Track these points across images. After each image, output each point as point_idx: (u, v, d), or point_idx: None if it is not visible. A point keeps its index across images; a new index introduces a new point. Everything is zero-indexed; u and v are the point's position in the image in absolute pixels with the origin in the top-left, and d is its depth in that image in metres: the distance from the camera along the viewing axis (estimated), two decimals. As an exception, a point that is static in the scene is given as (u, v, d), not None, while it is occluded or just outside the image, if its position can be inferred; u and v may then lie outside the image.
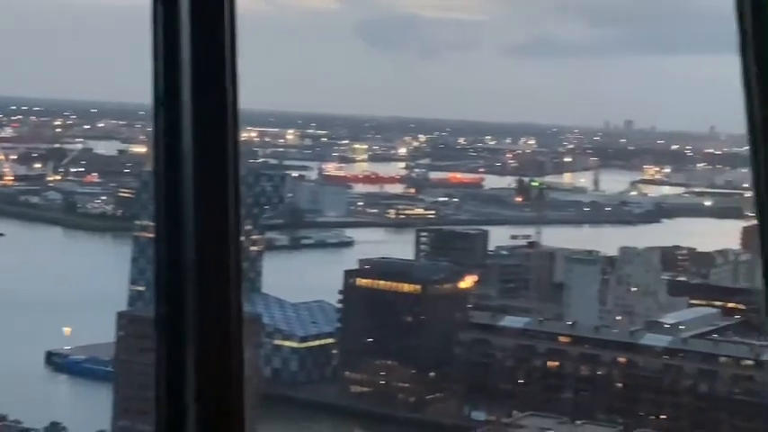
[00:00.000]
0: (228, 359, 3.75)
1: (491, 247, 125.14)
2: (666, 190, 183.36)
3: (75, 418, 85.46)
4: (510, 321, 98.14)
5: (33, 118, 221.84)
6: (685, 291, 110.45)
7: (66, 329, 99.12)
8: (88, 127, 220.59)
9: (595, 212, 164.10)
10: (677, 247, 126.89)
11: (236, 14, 3.93)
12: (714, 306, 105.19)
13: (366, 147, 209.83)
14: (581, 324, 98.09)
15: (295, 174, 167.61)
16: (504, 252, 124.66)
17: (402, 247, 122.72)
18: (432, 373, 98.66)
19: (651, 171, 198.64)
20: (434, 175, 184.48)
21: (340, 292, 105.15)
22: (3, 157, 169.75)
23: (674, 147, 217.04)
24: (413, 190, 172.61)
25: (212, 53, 3.87)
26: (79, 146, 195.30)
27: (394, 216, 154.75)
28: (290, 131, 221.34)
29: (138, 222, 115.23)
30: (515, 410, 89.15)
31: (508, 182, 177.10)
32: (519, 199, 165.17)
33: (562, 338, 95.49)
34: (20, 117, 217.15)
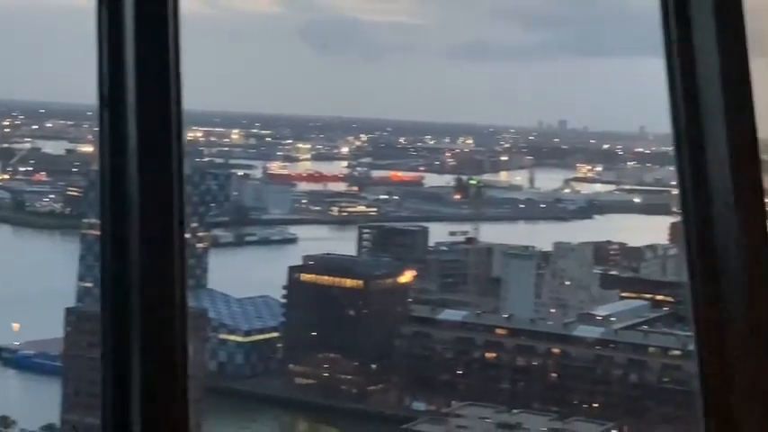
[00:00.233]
0: (173, 353, 3.72)
1: (431, 243, 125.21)
2: (598, 187, 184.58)
3: (25, 412, 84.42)
4: (449, 315, 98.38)
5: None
6: (616, 284, 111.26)
7: (15, 325, 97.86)
8: (36, 127, 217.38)
9: (531, 209, 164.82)
10: (609, 243, 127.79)
11: (179, 16, 3.90)
12: (644, 299, 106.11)
13: (309, 146, 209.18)
14: (517, 317, 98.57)
15: (240, 173, 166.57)
16: (444, 248, 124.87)
17: (345, 244, 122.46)
18: (373, 365, 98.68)
19: (584, 169, 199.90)
20: (376, 174, 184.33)
21: (284, 288, 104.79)
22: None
23: (606, 146, 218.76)
24: (355, 188, 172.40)
25: (156, 54, 3.84)
26: (27, 145, 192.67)
27: (337, 213, 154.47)
28: (235, 131, 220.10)
29: (85, 220, 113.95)
30: (454, 400, 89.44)
31: (447, 180, 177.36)
32: (458, 196, 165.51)
33: (499, 331, 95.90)
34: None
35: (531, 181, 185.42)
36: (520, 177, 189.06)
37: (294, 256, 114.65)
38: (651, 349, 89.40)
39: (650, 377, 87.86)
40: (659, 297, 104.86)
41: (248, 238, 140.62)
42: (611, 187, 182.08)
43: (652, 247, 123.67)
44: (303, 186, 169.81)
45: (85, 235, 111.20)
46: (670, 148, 5.06)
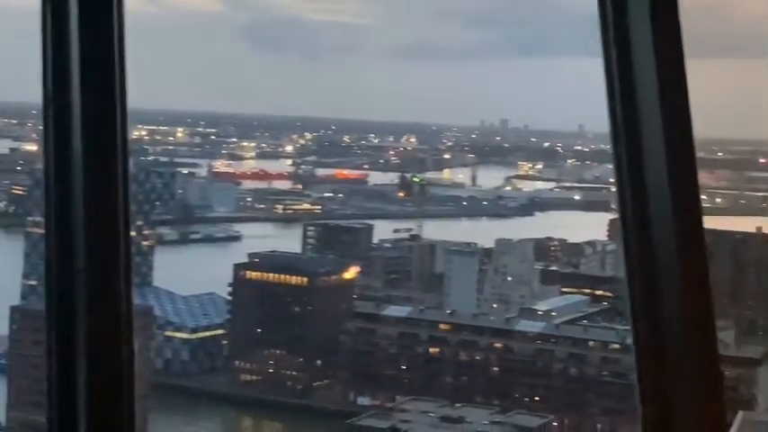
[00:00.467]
0: (119, 350, 3.69)
1: (375, 240, 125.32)
2: (539, 185, 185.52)
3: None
4: (393, 311, 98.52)
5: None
6: (557, 279, 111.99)
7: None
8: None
9: (473, 206, 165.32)
10: (549, 239, 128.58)
11: (123, 15, 3.87)
12: (584, 294, 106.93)
13: (254, 144, 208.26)
14: (460, 312, 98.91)
15: (185, 171, 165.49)
16: (388, 245, 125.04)
17: (290, 241, 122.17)
18: (318, 361, 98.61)
19: (525, 167, 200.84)
20: (321, 172, 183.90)
21: (230, 285, 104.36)
22: None
23: (546, 144, 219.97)
24: (300, 186, 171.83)
25: (100, 53, 3.80)
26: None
27: (282, 211, 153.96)
28: (180, 130, 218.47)
29: (30, 219, 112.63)
30: (398, 395, 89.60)
31: (391, 178, 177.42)
32: (401, 194, 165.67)
33: (442, 326, 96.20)
34: None
35: (474, 179, 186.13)
36: (462, 175, 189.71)
37: (239, 253, 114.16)
38: (591, 343, 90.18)
39: (590, 370, 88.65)
40: (599, 292, 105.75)
41: (193, 236, 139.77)
42: (552, 185, 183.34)
43: (592, 243, 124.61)
44: (248, 184, 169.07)
45: (30, 233, 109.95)
46: (609, 146, 5.11)
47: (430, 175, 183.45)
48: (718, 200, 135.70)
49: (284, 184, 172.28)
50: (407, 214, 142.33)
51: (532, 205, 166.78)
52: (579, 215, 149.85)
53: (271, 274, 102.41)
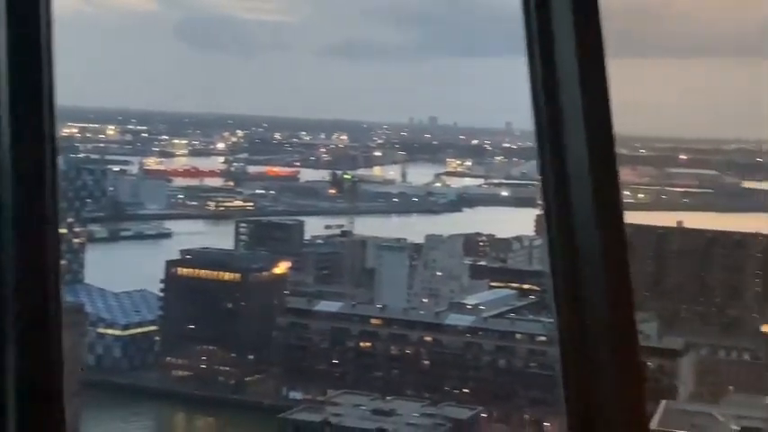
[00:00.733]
0: (48, 348, 3.64)
1: (307, 236, 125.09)
2: (468, 181, 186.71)
3: None
4: (325, 306, 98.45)
5: None
6: (486, 274, 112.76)
7: None
8: None
9: (403, 203, 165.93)
10: (478, 234, 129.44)
11: (52, 13, 3.83)
12: (511, 288, 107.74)
13: (186, 142, 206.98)
14: (391, 307, 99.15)
15: (116, 168, 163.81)
16: (320, 241, 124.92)
17: (222, 238, 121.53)
18: (251, 357, 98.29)
19: (454, 164, 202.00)
20: (252, 169, 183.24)
21: (162, 282, 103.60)
22: None
23: (475, 141, 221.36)
24: (232, 183, 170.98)
25: (29, 51, 3.75)
26: None
27: (214, 208, 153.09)
28: (111, 127, 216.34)
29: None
30: (330, 389, 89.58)
31: (322, 175, 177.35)
32: (332, 191, 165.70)
33: (373, 321, 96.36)
34: None
35: (404, 175, 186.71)
36: (393, 172, 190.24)
37: (170, 250, 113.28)
38: (518, 336, 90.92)
39: (518, 363, 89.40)
40: (526, 286, 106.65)
41: (124, 234, 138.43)
42: (480, 181, 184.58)
43: (519, 239, 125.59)
44: (179, 182, 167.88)
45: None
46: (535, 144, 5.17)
47: (361, 172, 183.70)
48: (641, 195, 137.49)
49: (216, 182, 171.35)
50: (339, 211, 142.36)
51: (461, 201, 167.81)
52: (507, 211, 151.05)
53: (203, 271, 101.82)
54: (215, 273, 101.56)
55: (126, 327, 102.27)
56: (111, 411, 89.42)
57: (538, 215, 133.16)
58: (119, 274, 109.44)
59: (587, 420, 4.76)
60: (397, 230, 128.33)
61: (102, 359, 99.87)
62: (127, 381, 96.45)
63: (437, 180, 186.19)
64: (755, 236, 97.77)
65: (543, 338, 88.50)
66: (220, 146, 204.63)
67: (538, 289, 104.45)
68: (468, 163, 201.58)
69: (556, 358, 4.72)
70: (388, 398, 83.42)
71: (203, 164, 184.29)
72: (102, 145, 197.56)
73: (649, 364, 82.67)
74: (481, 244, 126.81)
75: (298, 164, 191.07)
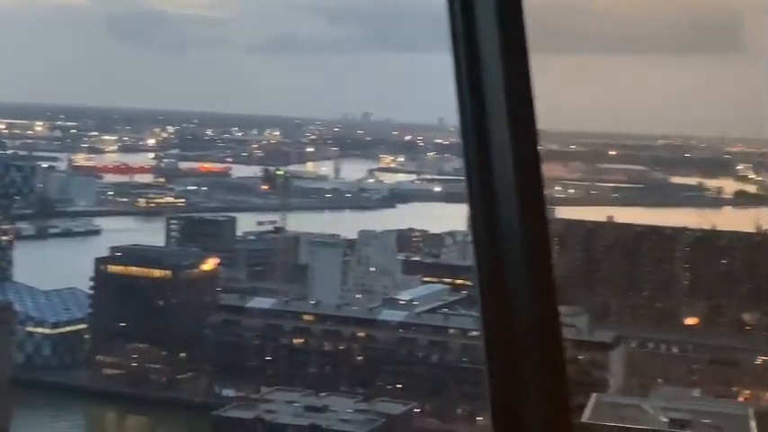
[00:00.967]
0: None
1: (239, 232, 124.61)
2: (401, 177, 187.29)
3: None
4: (257, 302, 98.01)
5: None
6: (419, 269, 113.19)
7: None
8: None
9: (336, 199, 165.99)
10: (411, 230, 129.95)
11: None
12: (444, 283, 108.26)
13: (116, 138, 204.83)
14: (324, 303, 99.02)
15: (45, 165, 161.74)
16: (252, 237, 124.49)
17: (153, 235, 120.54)
18: (183, 354, 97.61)
19: (387, 160, 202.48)
20: (183, 165, 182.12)
21: (92, 279, 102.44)
22: None
23: (408, 137, 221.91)
24: (162, 179, 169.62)
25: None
26: None
27: (144, 205, 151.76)
28: (40, 123, 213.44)
29: None
30: (263, 386, 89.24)
31: (254, 171, 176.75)
32: (265, 187, 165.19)
33: (306, 317, 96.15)
34: None
35: (337, 171, 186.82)
36: (326, 168, 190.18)
37: (100, 247, 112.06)
38: (451, 331, 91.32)
39: (451, 357, 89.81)
40: (459, 281, 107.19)
41: (52, 231, 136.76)
42: (413, 177, 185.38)
43: (452, 234, 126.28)
44: (109, 178, 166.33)
45: None
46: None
47: (293, 168, 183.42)
48: (571, 190, 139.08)
49: (146, 178, 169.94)
50: (271, 207, 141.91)
51: (394, 197, 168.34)
52: (440, 206, 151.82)
53: (133, 268, 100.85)
54: (146, 270, 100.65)
55: (56, 325, 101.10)
56: (41, 410, 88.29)
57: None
58: (48, 272, 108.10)
59: (512, 413, 4.81)
60: (330, 226, 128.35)
61: (32, 358, 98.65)
62: (57, 379, 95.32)
63: (370, 176, 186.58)
64: (683, 230, 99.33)
65: (476, 333, 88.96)
66: (151, 142, 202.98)
67: (471, 284, 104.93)
68: (401, 159, 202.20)
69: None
70: (321, 394, 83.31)
71: (133, 160, 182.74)
72: (30, 141, 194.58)
73: (580, 357, 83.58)
74: (414, 239, 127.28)
75: (229, 160, 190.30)
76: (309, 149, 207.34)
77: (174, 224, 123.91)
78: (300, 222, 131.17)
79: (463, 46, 4.96)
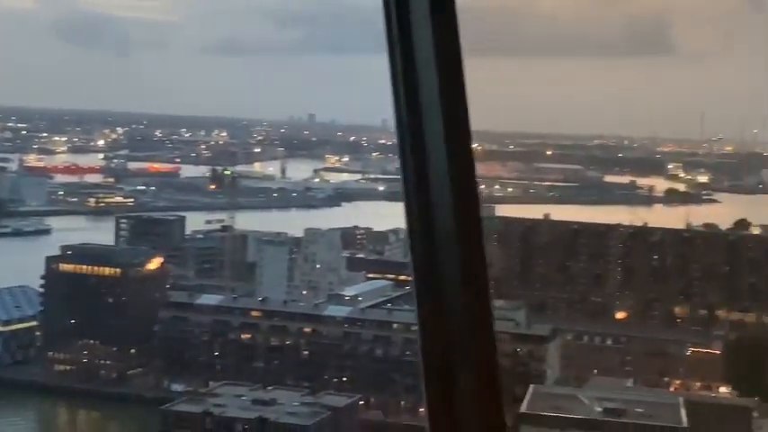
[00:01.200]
0: None
1: (188, 231, 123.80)
2: (345, 177, 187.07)
3: None
4: (206, 299, 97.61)
5: None
6: (363, 266, 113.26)
7: None
8: None
9: (283, 198, 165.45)
10: (356, 228, 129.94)
11: None
12: (388, 279, 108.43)
13: (66, 139, 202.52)
14: (271, 299, 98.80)
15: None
16: (200, 236, 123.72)
17: (103, 234, 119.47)
18: (133, 350, 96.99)
19: (332, 160, 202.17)
20: (133, 165, 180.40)
21: (42, 277, 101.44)
22: None
23: (352, 138, 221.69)
24: (112, 179, 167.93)
25: None
26: None
27: (94, 204, 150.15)
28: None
29: None
30: (212, 381, 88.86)
31: (203, 171, 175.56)
32: (213, 187, 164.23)
33: (254, 313, 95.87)
34: None
35: (283, 171, 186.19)
36: (272, 168, 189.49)
37: (51, 246, 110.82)
38: (395, 325, 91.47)
39: (394, 351, 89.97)
40: (402, 277, 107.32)
41: (2, 230, 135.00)
42: (358, 176, 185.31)
43: (395, 231, 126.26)
44: (60, 178, 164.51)
45: None
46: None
47: (241, 168, 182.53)
48: (510, 189, 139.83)
49: (96, 178, 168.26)
50: (219, 206, 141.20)
51: (339, 196, 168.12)
52: (383, 205, 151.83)
53: (84, 266, 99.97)
54: (96, 268, 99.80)
55: (7, 322, 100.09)
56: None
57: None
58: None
59: (447, 405, 4.82)
60: (277, 225, 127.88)
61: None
62: (8, 376, 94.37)
63: (316, 175, 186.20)
64: (617, 227, 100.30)
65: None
66: (100, 143, 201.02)
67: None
68: (346, 159, 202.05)
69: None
70: (268, 388, 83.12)
71: (83, 161, 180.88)
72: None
73: (519, 350, 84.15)
74: (359, 237, 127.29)
75: (178, 160, 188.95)
76: (256, 150, 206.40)
77: (123, 223, 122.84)
78: (248, 221, 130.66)
79: (399, 48, 4.96)
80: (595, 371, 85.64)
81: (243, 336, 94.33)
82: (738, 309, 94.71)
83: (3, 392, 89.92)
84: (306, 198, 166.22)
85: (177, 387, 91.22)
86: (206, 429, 76.44)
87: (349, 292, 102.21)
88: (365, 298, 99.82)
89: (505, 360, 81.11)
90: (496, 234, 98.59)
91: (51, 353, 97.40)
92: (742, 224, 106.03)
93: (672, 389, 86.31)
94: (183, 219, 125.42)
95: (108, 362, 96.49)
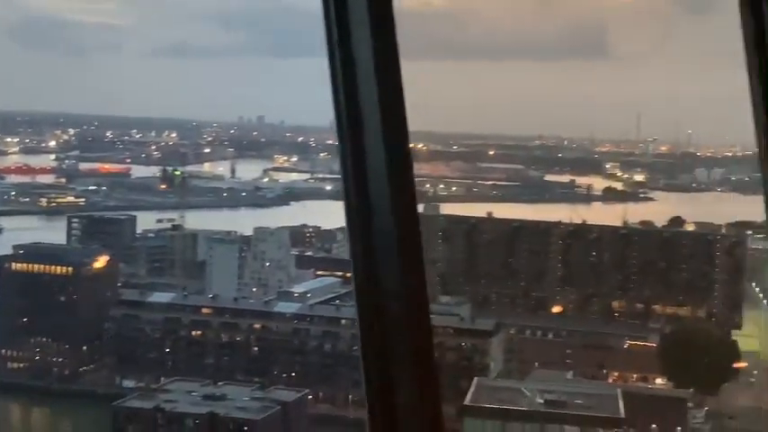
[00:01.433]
0: None
1: (139, 230, 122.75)
2: (294, 176, 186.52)
3: None
4: (157, 297, 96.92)
5: None
6: (312, 264, 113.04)
7: None
8: None
9: (233, 197, 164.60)
10: (304, 226, 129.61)
11: None
12: (336, 276, 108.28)
13: (17, 140, 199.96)
14: (221, 296, 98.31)
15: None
16: (151, 235, 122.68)
17: (55, 233, 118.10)
18: (85, 348, 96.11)
19: (281, 160, 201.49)
20: (84, 166, 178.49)
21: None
22: None
23: (300, 138, 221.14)
24: (63, 180, 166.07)
25: None
26: None
27: (46, 204, 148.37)
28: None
29: None
30: (163, 377, 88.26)
31: (153, 171, 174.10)
32: (163, 186, 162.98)
33: (205, 310, 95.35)
34: None
35: (233, 171, 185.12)
36: (222, 168, 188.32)
37: (2, 246, 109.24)
38: (343, 321, 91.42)
39: (342, 346, 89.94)
40: (349, 274, 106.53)
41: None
42: (306, 176, 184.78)
43: (343, 230, 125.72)
44: (12, 179, 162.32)
45: None
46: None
47: (191, 168, 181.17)
48: (454, 188, 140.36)
49: (48, 178, 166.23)
50: (170, 205, 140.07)
51: (288, 195, 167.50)
52: (331, 204, 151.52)
53: (36, 265, 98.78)
54: (48, 267, 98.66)
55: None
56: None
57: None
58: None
59: (385, 400, 4.82)
60: (227, 224, 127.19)
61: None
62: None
63: (265, 175, 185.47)
64: (557, 224, 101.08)
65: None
66: (52, 144, 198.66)
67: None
68: (294, 159, 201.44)
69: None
70: (219, 383, 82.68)
71: (35, 161, 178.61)
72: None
73: (463, 344, 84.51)
74: (307, 235, 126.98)
75: (129, 161, 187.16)
76: (206, 150, 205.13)
77: (75, 223, 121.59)
78: (198, 220, 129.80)
79: (338, 51, 4.95)
80: (537, 364, 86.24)
81: (194, 333, 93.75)
82: (673, 303, 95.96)
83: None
84: (255, 197, 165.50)
85: (129, 383, 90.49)
86: (157, 425, 75.89)
87: (298, 289, 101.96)
88: (314, 295, 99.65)
89: (450, 354, 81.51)
90: (441, 232, 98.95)
91: (4, 351, 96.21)
92: (677, 221, 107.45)
93: (610, 380, 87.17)
94: (133, 218, 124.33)
95: (60, 359, 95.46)
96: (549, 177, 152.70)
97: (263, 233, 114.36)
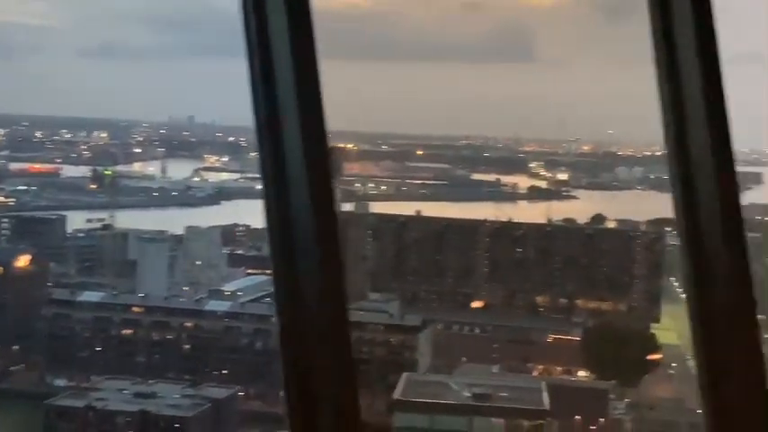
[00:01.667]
0: None
1: (69, 230, 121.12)
2: (225, 176, 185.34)
3: None
4: (88, 296, 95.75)
5: None
6: (243, 262, 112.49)
7: None
8: None
9: (163, 197, 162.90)
10: (236, 225, 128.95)
11: None
12: (267, 274, 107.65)
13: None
14: (152, 295, 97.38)
15: None
16: (81, 234, 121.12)
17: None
18: (15, 347, 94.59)
19: (212, 159, 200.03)
20: (14, 166, 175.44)
21: None
22: None
23: (231, 138, 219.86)
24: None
25: None
26: None
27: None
28: None
29: None
30: (94, 375, 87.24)
31: (83, 171, 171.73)
32: (94, 186, 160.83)
33: (135, 309, 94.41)
34: None
35: (164, 171, 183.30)
36: (153, 168, 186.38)
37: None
38: (274, 319, 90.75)
39: (273, 344, 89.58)
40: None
41: None
42: (237, 175, 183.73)
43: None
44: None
45: None
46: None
47: (121, 167, 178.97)
48: (384, 187, 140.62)
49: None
50: (100, 205, 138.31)
51: (219, 195, 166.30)
52: (261, 203, 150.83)
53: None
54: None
55: None
56: None
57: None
58: None
59: (307, 402, 4.79)
60: (158, 223, 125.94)
61: None
62: None
63: (196, 175, 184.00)
64: (483, 222, 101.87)
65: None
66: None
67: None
68: (225, 159, 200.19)
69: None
70: (150, 381, 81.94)
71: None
72: None
73: (392, 340, 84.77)
74: (238, 234, 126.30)
75: (59, 161, 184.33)
76: (137, 150, 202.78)
77: (4, 222, 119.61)
78: (128, 219, 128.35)
79: (257, 51, 4.90)
80: (464, 358, 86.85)
81: (124, 331, 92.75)
82: (596, 298, 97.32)
83: None
84: (186, 197, 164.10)
85: (60, 382, 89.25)
86: (88, 423, 75.00)
87: (229, 287, 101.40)
88: (245, 293, 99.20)
89: (380, 349, 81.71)
90: (371, 230, 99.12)
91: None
92: (598, 219, 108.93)
93: (535, 374, 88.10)
94: (63, 218, 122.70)
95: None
96: (475, 176, 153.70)
97: (194, 232, 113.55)
